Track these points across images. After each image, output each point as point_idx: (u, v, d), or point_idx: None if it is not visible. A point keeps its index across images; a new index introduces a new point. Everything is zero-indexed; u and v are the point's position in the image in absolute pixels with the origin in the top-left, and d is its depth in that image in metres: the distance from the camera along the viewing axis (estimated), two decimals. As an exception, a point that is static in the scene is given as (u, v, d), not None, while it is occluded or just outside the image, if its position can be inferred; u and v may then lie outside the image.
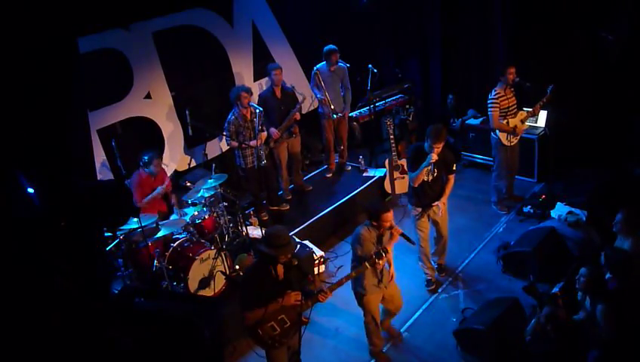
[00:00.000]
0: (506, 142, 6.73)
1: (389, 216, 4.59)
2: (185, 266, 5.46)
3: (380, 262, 4.46)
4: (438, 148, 5.24)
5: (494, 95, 6.55)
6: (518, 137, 6.80)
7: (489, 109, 6.60)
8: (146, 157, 5.94)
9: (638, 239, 4.73)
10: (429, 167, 5.37)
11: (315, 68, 7.40)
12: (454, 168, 5.56)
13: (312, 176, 8.05)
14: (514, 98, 6.65)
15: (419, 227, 5.72)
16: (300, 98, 6.98)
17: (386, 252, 4.53)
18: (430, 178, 5.47)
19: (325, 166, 8.14)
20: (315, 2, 8.47)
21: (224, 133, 6.52)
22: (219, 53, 7.43)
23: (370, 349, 5.04)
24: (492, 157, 7.08)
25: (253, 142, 6.54)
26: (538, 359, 4.33)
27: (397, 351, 5.17)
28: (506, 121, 6.62)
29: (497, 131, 6.68)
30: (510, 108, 6.62)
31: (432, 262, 5.99)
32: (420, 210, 5.65)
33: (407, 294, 5.83)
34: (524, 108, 6.90)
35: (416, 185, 5.46)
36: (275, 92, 6.87)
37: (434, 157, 5.22)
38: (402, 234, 4.72)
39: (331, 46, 7.27)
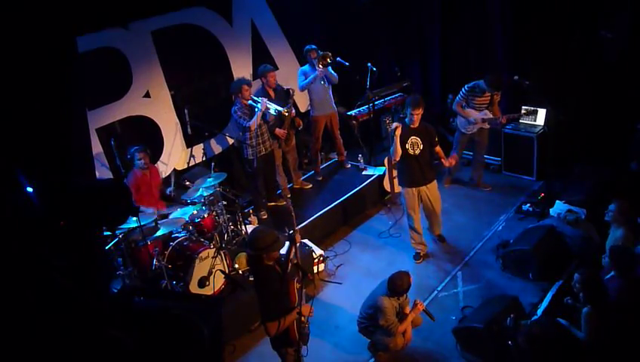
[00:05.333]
0: (462, 129, 7.16)
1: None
2: (184, 265, 5.46)
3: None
4: (418, 115, 5.67)
5: (468, 87, 6.95)
6: (475, 129, 7.13)
7: (459, 94, 7.04)
8: (131, 151, 5.97)
9: (628, 229, 4.82)
10: (415, 140, 5.74)
11: (301, 69, 7.43)
12: (437, 140, 5.92)
13: (311, 174, 8.05)
14: (486, 99, 6.95)
15: (410, 207, 6.07)
16: (290, 92, 6.99)
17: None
18: (418, 151, 5.78)
19: (312, 172, 8.08)
20: (314, 1, 8.47)
21: (242, 118, 6.44)
22: (218, 52, 7.43)
23: None
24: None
25: (279, 130, 6.90)
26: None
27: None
28: (467, 110, 7.01)
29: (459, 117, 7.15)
30: (480, 104, 6.95)
31: (426, 238, 6.40)
32: (410, 190, 5.98)
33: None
34: (525, 106, 6.94)
35: (397, 159, 5.80)
36: (269, 92, 6.88)
37: (395, 124, 5.68)
38: (425, 310, 4.84)
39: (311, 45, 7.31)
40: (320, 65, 7.04)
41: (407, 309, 4.82)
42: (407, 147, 5.77)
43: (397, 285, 4.64)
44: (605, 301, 4.20)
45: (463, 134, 7.22)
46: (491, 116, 6.98)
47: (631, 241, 4.83)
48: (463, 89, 6.97)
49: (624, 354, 4.12)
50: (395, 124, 5.69)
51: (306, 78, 7.25)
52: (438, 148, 5.95)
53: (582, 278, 4.25)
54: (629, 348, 4.11)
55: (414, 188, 5.99)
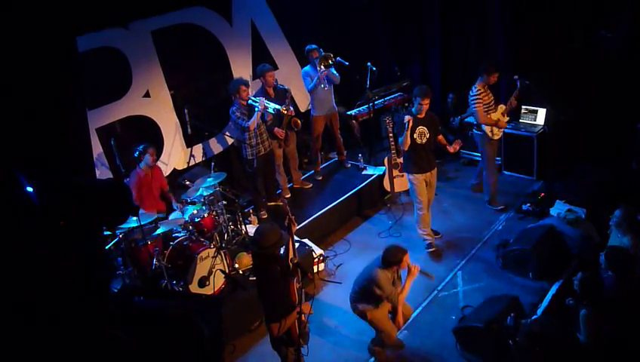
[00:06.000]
0: (491, 136, 6.82)
1: (408, 257, 4.70)
2: (184, 265, 5.46)
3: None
4: (427, 104, 5.89)
5: (476, 92, 6.64)
6: (502, 130, 6.90)
7: (473, 106, 6.71)
8: (138, 150, 5.95)
9: (635, 236, 4.76)
10: (422, 129, 5.95)
11: (304, 71, 7.45)
12: (440, 128, 6.22)
13: (311, 174, 8.05)
14: (491, 94, 6.76)
15: (419, 195, 6.20)
16: (287, 92, 7.00)
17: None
18: (425, 140, 6.00)
19: (313, 171, 8.08)
20: (314, 1, 8.47)
21: (241, 118, 6.42)
22: (218, 52, 7.43)
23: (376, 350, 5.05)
24: (480, 153, 7.13)
25: (277, 130, 6.92)
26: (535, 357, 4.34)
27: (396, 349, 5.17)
28: (488, 115, 6.72)
29: (483, 126, 6.77)
30: (490, 104, 6.71)
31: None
32: (420, 176, 6.12)
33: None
34: (525, 106, 6.91)
35: (406, 149, 5.98)
36: (268, 92, 6.89)
37: (407, 117, 5.86)
38: (421, 272, 4.81)
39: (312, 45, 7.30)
40: (322, 67, 7.04)
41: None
42: (414, 136, 5.97)
43: (391, 254, 4.61)
44: (604, 303, 4.19)
45: (493, 142, 6.87)
46: (505, 106, 6.84)
47: (638, 247, 4.79)
48: (472, 98, 6.64)
49: (623, 354, 4.12)
50: (407, 117, 5.85)
51: (310, 80, 7.26)
52: (440, 137, 6.15)
53: (582, 280, 4.24)
54: (626, 348, 4.11)
55: (422, 175, 6.16)
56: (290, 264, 4.02)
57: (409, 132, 5.88)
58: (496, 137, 6.86)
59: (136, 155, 5.99)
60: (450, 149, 6.12)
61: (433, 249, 6.42)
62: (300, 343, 4.14)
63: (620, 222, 4.87)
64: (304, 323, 4.12)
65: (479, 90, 6.62)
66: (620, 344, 4.12)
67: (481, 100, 6.62)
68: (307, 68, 7.40)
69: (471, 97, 6.68)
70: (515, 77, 6.73)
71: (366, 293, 4.71)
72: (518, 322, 4.47)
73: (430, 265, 6.26)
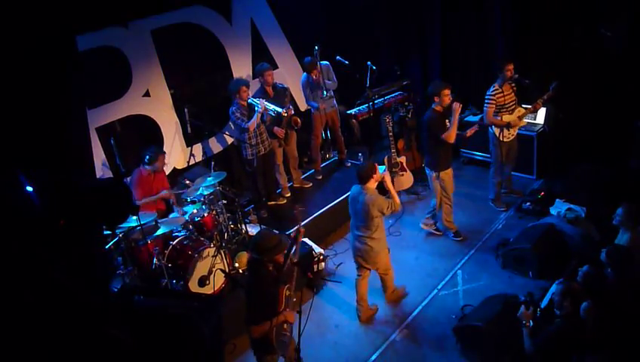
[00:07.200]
0: (500, 138, 6.74)
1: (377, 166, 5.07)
2: (184, 264, 5.47)
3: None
4: (449, 93, 5.93)
5: (492, 91, 6.58)
6: (515, 133, 6.81)
7: (485, 105, 6.65)
8: (150, 154, 5.92)
9: (636, 233, 4.77)
10: (447, 122, 6.00)
11: (302, 82, 7.51)
12: None
13: (311, 173, 8.05)
14: (512, 94, 6.65)
15: (448, 189, 6.33)
16: (287, 91, 7.02)
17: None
18: None
19: (313, 170, 8.10)
20: (314, 0, 8.46)
21: (240, 119, 6.48)
22: (218, 51, 7.42)
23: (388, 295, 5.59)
24: (489, 153, 7.09)
25: (277, 129, 6.94)
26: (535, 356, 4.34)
27: (397, 348, 5.18)
28: (500, 117, 6.65)
29: (493, 126, 6.72)
30: (507, 105, 6.63)
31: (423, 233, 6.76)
32: (449, 171, 6.27)
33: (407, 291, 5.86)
34: (524, 105, 6.89)
35: (453, 140, 6.05)
36: (268, 92, 6.90)
37: (458, 107, 5.90)
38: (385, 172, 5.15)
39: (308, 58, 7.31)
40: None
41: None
42: None
43: (366, 170, 4.97)
44: (605, 298, 4.20)
45: (502, 144, 6.77)
46: (526, 109, 6.74)
47: (638, 245, 4.79)
48: (486, 98, 6.62)
49: (621, 350, 4.13)
50: (456, 104, 5.92)
51: (309, 94, 7.45)
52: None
53: (586, 274, 4.25)
54: (625, 343, 4.12)
55: (450, 168, 6.32)
56: (289, 262, 4.01)
57: (456, 122, 5.92)
58: (506, 139, 6.76)
59: (146, 160, 5.94)
60: (468, 133, 6.39)
61: (462, 237, 6.58)
62: (298, 351, 4.11)
63: (623, 220, 4.90)
64: (285, 332, 4.08)
65: (495, 89, 6.56)
66: (619, 340, 4.12)
67: (494, 101, 6.56)
68: (305, 78, 7.43)
69: (485, 96, 6.63)
70: (516, 76, 6.72)
71: (372, 222, 4.98)
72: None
73: (430, 264, 6.28)
